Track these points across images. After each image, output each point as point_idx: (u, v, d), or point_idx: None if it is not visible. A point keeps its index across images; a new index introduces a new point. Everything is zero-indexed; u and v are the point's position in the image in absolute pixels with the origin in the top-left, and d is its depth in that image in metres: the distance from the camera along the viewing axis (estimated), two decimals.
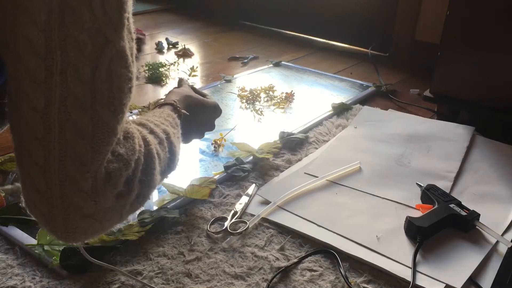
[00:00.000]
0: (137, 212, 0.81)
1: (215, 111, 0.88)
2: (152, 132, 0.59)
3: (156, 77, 1.51)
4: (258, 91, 1.38)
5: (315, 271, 0.73)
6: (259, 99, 1.37)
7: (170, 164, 0.63)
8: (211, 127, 0.90)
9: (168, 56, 1.77)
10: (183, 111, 0.76)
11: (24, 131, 0.44)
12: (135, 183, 0.51)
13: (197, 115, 0.81)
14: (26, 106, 0.43)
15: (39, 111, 0.43)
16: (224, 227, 0.81)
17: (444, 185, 0.93)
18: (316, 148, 1.09)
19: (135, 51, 0.50)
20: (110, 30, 0.44)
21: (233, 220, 0.83)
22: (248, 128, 1.21)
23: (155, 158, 0.55)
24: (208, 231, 0.81)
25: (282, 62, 1.72)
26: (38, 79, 0.42)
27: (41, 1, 0.41)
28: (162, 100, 0.77)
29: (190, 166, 1.03)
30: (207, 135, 1.16)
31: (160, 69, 1.53)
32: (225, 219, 0.83)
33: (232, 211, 0.85)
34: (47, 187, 0.44)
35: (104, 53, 0.44)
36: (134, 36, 0.49)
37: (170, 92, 0.82)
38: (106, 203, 0.47)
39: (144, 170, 0.52)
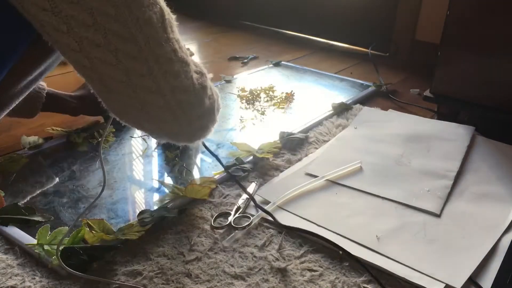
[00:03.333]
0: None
1: None
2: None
3: None
4: (258, 91, 1.38)
5: (315, 271, 0.73)
6: (259, 99, 1.37)
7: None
8: None
9: None
10: None
11: (133, 76, 0.56)
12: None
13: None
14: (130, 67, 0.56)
15: (136, 56, 0.55)
16: (228, 222, 0.81)
17: (444, 184, 0.93)
18: (316, 148, 1.09)
19: None
20: None
21: (237, 215, 0.83)
22: (248, 128, 1.21)
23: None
24: (213, 225, 0.81)
25: (282, 62, 1.72)
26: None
27: None
28: None
29: (190, 166, 1.03)
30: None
31: None
32: (228, 214, 0.84)
33: (236, 206, 0.85)
34: (173, 116, 0.61)
35: None
36: None
37: None
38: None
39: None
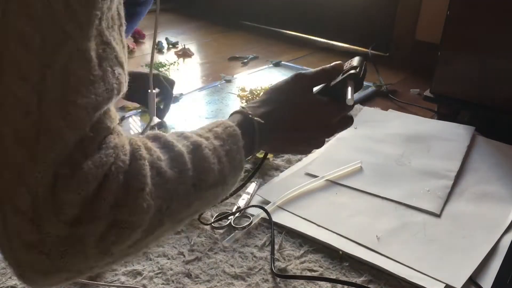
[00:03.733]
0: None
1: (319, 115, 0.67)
2: (165, 145, 0.46)
3: None
4: (258, 91, 1.38)
5: (315, 271, 0.73)
6: None
7: (198, 183, 0.47)
8: (316, 143, 0.68)
9: (168, 56, 1.77)
10: (256, 118, 0.60)
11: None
12: (102, 206, 0.38)
13: (285, 121, 0.64)
14: None
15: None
16: (228, 222, 0.81)
17: (444, 184, 0.93)
18: None
19: (122, 57, 0.42)
20: (72, 25, 0.36)
21: (237, 215, 0.83)
22: None
23: (145, 176, 0.41)
24: (213, 225, 0.81)
25: (282, 62, 1.72)
26: None
27: None
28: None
29: None
30: None
31: (160, 69, 1.53)
32: (228, 214, 0.84)
33: (236, 206, 0.86)
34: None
35: (62, 50, 0.36)
36: (113, 39, 0.41)
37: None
38: (54, 230, 0.36)
39: (124, 190, 0.39)
